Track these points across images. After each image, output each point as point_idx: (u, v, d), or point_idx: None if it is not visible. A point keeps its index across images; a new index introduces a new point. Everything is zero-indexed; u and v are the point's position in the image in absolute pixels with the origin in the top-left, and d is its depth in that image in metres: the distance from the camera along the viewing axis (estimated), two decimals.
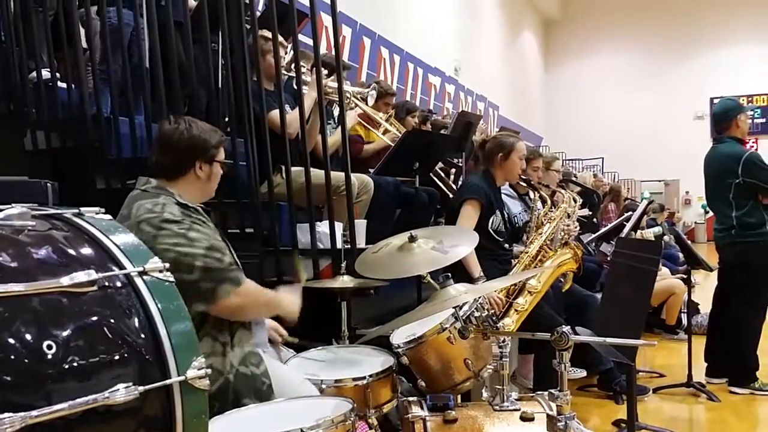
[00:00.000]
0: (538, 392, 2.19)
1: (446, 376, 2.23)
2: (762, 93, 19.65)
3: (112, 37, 3.33)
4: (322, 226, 3.00)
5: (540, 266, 3.43)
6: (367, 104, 4.01)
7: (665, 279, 5.85)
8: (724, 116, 4.31)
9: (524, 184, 3.90)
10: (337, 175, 3.03)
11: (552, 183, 4.40)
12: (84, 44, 3.43)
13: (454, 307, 2.17)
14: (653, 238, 5.44)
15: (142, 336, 1.16)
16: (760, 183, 4.08)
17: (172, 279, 1.25)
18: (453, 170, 4.86)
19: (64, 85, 3.45)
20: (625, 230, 4.87)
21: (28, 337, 1.03)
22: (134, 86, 3.30)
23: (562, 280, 3.71)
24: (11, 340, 1.01)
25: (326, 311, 2.69)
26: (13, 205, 1.21)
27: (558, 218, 3.68)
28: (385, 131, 4.32)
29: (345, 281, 2.55)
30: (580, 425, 1.85)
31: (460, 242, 2.27)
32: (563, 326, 1.82)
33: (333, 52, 3.21)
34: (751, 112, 18.68)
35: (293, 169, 3.00)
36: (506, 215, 3.61)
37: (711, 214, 4.65)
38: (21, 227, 1.18)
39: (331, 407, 1.72)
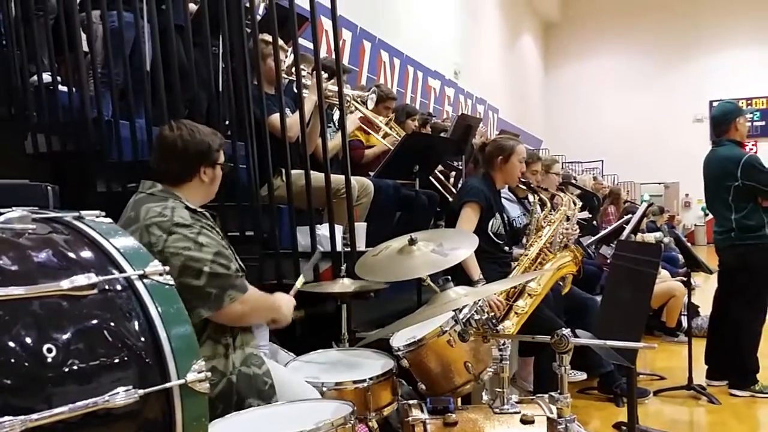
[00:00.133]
0: (539, 395, 2.20)
1: (446, 379, 2.23)
2: (761, 96, 19.65)
3: (113, 41, 3.34)
4: (322, 229, 3.01)
5: (540, 269, 3.43)
6: (367, 108, 4.02)
7: (665, 281, 5.85)
8: (723, 119, 4.32)
9: (524, 187, 3.90)
10: (337, 178, 3.04)
11: (551, 186, 4.40)
12: (85, 48, 3.43)
13: (454, 310, 2.16)
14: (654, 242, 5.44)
15: (142, 339, 1.17)
16: (759, 186, 4.08)
17: (172, 282, 1.26)
18: (453, 173, 4.87)
19: (65, 88, 3.46)
20: (625, 233, 4.88)
21: (28, 340, 1.03)
22: (135, 89, 3.30)
23: (561, 283, 3.71)
24: (11, 344, 1.01)
25: (326, 314, 2.69)
26: (14, 208, 1.21)
27: (558, 221, 3.68)
28: (385, 135, 4.32)
29: (345, 284, 2.55)
30: (580, 428, 1.85)
31: (459, 245, 2.28)
32: (563, 329, 1.83)
33: (333, 56, 3.21)
34: (750, 115, 18.67)
35: (293, 172, 3.01)
36: (506, 218, 3.61)
37: (711, 216, 4.64)
38: (21, 230, 1.18)
39: (331, 410, 1.72)
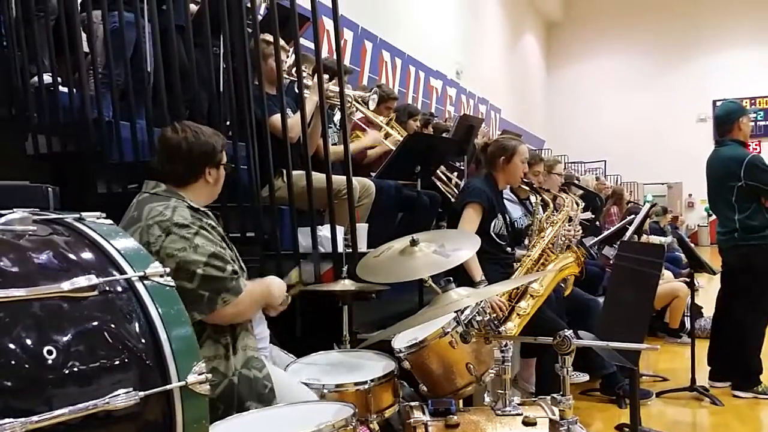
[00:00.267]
0: (541, 397, 2.19)
1: (448, 380, 2.22)
2: (764, 95, 19.63)
3: (114, 42, 3.34)
4: (324, 230, 3.00)
5: (542, 270, 3.42)
6: (368, 108, 4.01)
7: (668, 282, 5.83)
8: (726, 119, 4.31)
9: (526, 188, 3.89)
10: (339, 179, 3.03)
11: (554, 187, 4.39)
12: (86, 48, 3.43)
13: (456, 311, 2.16)
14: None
15: (143, 341, 1.16)
16: (762, 186, 4.07)
17: (172, 284, 1.25)
18: (455, 173, 4.86)
19: (65, 89, 3.46)
20: (628, 233, 4.86)
21: (29, 342, 1.03)
22: (136, 90, 3.30)
23: (562, 285, 3.70)
24: (12, 345, 1.01)
25: (327, 315, 2.68)
26: (15, 209, 1.21)
27: (560, 222, 3.67)
28: (387, 135, 4.32)
29: (346, 285, 2.54)
30: (582, 430, 1.85)
31: (461, 246, 2.27)
32: (566, 330, 1.82)
33: (334, 56, 3.21)
34: (754, 115, 18.65)
35: (294, 172, 3.00)
36: (508, 219, 3.60)
37: (714, 217, 4.64)
38: (22, 232, 1.18)
39: (332, 412, 1.71)
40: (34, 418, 0.98)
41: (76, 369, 1.06)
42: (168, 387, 1.15)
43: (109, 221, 1.35)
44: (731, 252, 4.25)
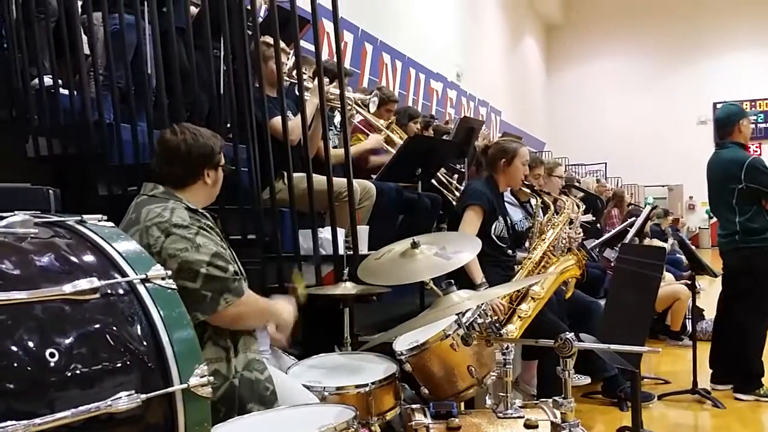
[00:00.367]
0: (542, 399, 2.19)
1: (449, 383, 2.22)
2: (765, 98, 19.62)
3: (115, 44, 3.34)
4: (325, 233, 3.00)
5: (543, 272, 3.42)
6: (369, 111, 4.01)
7: (669, 285, 5.82)
8: (727, 121, 4.31)
9: (527, 190, 3.89)
10: (340, 181, 3.03)
11: (554, 189, 4.38)
12: (86, 50, 3.43)
13: (457, 314, 2.16)
14: None
15: (145, 343, 1.16)
16: (763, 188, 4.07)
17: (174, 286, 1.25)
18: (455, 176, 4.86)
19: (66, 91, 3.46)
20: (629, 236, 4.87)
21: (31, 344, 1.03)
22: (136, 92, 3.30)
23: (564, 287, 3.70)
24: (14, 348, 1.01)
25: (329, 318, 2.68)
26: (16, 212, 1.21)
27: (561, 224, 3.67)
28: (387, 138, 4.31)
29: (347, 288, 2.54)
30: None
31: (462, 248, 2.27)
32: (567, 333, 1.82)
33: (335, 59, 3.21)
34: (754, 117, 18.66)
35: (295, 175, 3.00)
36: (509, 221, 3.60)
37: (715, 219, 4.63)
38: (24, 235, 1.18)
39: (333, 414, 1.71)
40: (37, 420, 0.98)
41: (78, 371, 1.06)
42: (170, 389, 1.15)
43: (111, 224, 1.35)
44: (732, 254, 4.25)
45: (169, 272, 1.26)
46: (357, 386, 2.08)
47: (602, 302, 4.18)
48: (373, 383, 2.09)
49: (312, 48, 3.36)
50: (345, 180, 2.96)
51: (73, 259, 1.20)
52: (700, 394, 4.15)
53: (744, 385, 4.22)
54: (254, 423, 1.76)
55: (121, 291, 1.19)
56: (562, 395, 1.85)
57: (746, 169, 4.07)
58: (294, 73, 3.22)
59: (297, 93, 3.20)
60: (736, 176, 4.11)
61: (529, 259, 3.49)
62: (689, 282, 4.83)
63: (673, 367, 5.00)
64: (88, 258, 1.22)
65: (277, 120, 3.08)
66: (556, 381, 1.88)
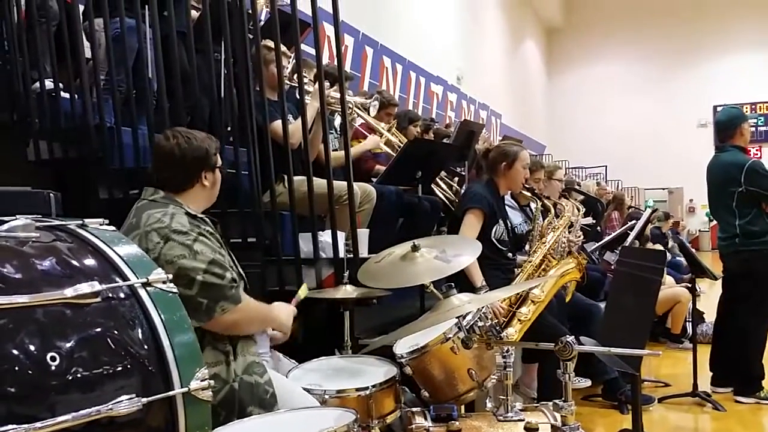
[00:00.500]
0: (543, 402, 2.18)
1: (450, 386, 2.22)
2: (765, 101, 19.64)
3: (116, 48, 3.35)
4: (325, 236, 3.00)
5: (543, 275, 3.42)
6: (369, 114, 4.02)
7: (670, 287, 5.82)
8: (728, 124, 4.31)
9: (527, 193, 3.89)
10: (340, 185, 3.03)
11: (554, 193, 4.38)
12: (87, 54, 3.44)
13: (458, 317, 2.16)
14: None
15: (146, 347, 1.17)
16: (762, 191, 4.07)
17: (175, 290, 1.26)
18: (456, 179, 4.86)
19: (66, 95, 3.47)
20: (629, 239, 4.86)
21: (32, 348, 1.03)
22: (137, 96, 3.31)
23: (564, 290, 3.70)
24: (15, 352, 1.01)
25: (329, 321, 2.68)
26: (18, 216, 1.22)
27: (561, 227, 3.67)
28: (388, 141, 4.32)
29: (348, 291, 2.54)
30: None
31: (463, 251, 2.27)
32: (567, 336, 1.82)
33: (335, 62, 3.21)
34: (755, 120, 18.69)
35: (295, 178, 3.01)
36: (509, 224, 3.60)
37: (715, 222, 4.64)
38: (25, 239, 1.18)
39: (333, 418, 1.71)
40: (38, 424, 0.98)
41: (79, 375, 1.06)
42: (171, 393, 1.15)
43: (112, 228, 1.36)
44: (732, 257, 4.25)
45: (170, 276, 1.27)
46: (357, 389, 2.07)
47: (602, 305, 4.17)
48: (373, 386, 2.08)
49: (313, 51, 3.36)
50: (345, 183, 2.96)
51: (75, 263, 1.20)
52: (701, 397, 4.15)
53: (744, 387, 4.21)
54: (254, 426, 1.76)
55: (122, 295, 1.20)
56: (563, 398, 1.85)
57: (746, 172, 4.08)
58: (295, 76, 3.23)
59: (298, 96, 3.21)
60: (736, 179, 4.11)
61: (530, 262, 3.49)
62: (689, 285, 4.83)
63: (674, 370, 4.99)
64: (90, 262, 1.23)
65: (278, 123, 3.08)
66: (557, 384, 1.88)
